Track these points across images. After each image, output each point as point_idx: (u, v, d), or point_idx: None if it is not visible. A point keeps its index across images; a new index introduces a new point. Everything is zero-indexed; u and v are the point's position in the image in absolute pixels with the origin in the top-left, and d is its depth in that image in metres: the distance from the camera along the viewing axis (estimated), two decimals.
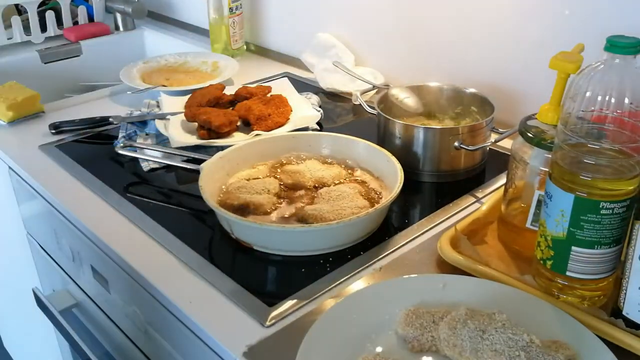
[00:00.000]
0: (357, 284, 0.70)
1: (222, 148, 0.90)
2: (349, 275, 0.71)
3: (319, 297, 0.68)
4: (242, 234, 0.75)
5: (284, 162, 0.91)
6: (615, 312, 0.62)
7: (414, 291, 0.66)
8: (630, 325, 0.60)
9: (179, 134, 0.99)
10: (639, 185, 0.59)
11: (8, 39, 1.52)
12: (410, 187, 0.84)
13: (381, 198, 0.82)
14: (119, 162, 0.98)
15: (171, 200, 0.88)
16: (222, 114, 1.00)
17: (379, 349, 0.60)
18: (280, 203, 0.82)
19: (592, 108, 0.57)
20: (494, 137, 0.91)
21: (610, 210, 0.58)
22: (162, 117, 1.05)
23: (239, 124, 1.03)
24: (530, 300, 0.63)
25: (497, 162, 0.95)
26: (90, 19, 1.66)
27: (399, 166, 0.82)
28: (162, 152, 0.95)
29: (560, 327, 0.60)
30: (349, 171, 0.89)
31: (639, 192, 0.59)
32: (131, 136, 1.03)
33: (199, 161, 0.87)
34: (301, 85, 1.25)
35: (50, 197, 0.90)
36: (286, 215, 0.79)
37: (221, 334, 0.63)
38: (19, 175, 1.00)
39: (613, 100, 0.57)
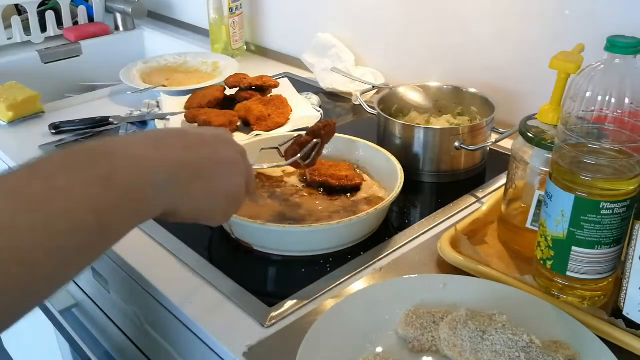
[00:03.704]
0: (357, 284, 0.70)
1: None
2: (349, 276, 0.71)
3: (319, 297, 0.68)
4: (242, 234, 0.75)
5: None
6: (615, 312, 0.62)
7: (414, 291, 0.65)
8: (630, 325, 0.60)
9: None
10: (639, 185, 0.59)
11: (8, 39, 1.52)
12: (411, 187, 0.84)
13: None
14: None
15: None
16: (222, 114, 1.00)
17: (379, 349, 0.60)
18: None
19: (593, 108, 0.57)
20: (494, 137, 0.91)
21: (611, 211, 0.58)
22: (162, 117, 1.05)
23: (238, 124, 1.03)
24: (531, 300, 0.63)
25: (498, 162, 0.95)
26: (90, 19, 1.66)
27: (399, 166, 0.82)
28: None
29: (560, 327, 0.60)
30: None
31: (639, 193, 0.59)
32: None
33: None
34: (301, 86, 1.25)
35: None
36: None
37: (221, 334, 0.63)
38: None
39: (613, 100, 0.57)
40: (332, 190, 0.83)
